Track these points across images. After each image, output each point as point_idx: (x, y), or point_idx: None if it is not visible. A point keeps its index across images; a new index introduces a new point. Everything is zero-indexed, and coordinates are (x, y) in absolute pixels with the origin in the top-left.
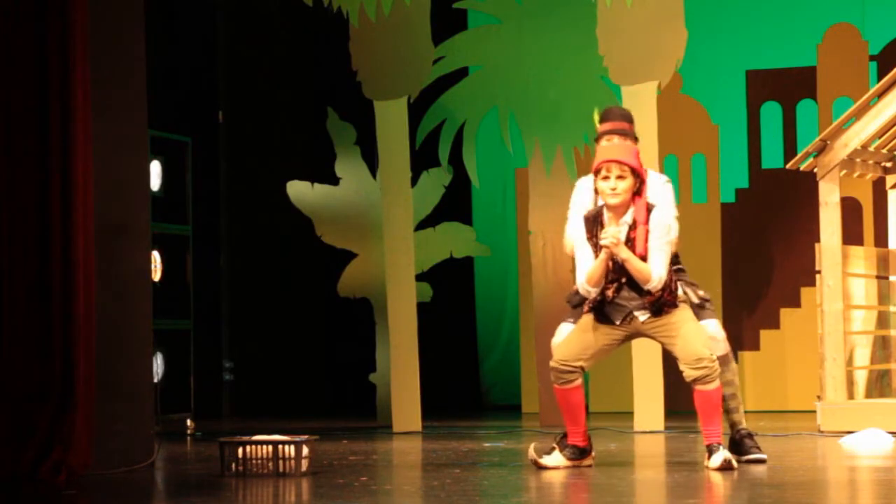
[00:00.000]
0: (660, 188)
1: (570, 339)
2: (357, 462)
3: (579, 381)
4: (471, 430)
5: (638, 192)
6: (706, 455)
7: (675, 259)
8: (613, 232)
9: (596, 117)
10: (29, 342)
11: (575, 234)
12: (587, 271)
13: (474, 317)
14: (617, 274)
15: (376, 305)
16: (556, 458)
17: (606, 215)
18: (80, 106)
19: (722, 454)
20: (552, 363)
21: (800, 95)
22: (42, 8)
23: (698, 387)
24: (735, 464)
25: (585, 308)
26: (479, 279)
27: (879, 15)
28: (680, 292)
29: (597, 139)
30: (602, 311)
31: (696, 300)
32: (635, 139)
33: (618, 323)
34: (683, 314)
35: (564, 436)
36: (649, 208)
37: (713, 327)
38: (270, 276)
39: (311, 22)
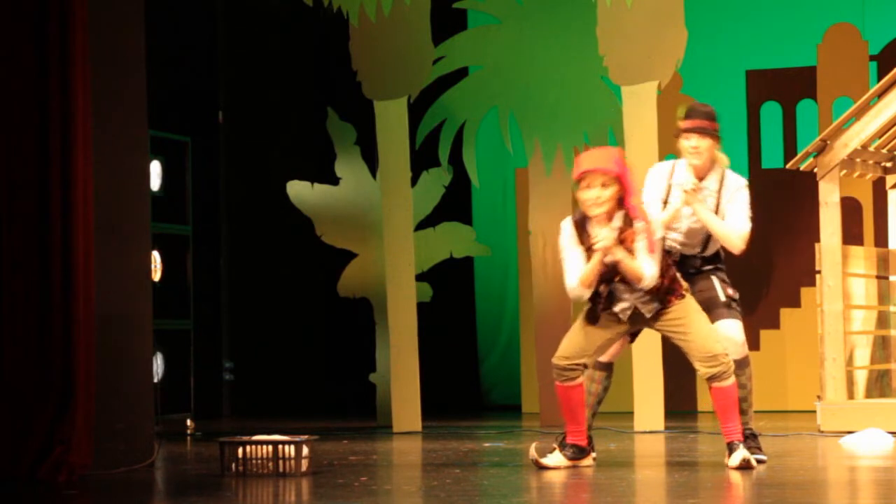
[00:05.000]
0: (734, 191)
1: (573, 335)
2: (357, 462)
3: (581, 379)
4: (471, 430)
5: (623, 197)
6: (726, 453)
7: (715, 256)
8: (607, 234)
9: (680, 113)
10: (29, 342)
11: (563, 240)
12: (580, 274)
13: (474, 317)
14: (609, 274)
15: (376, 305)
16: (556, 458)
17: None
18: (80, 106)
19: (741, 453)
20: (554, 360)
21: (800, 95)
22: (42, 7)
23: (714, 384)
24: (755, 463)
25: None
26: (479, 279)
27: (879, 15)
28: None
29: (676, 135)
30: (607, 307)
31: (723, 298)
32: (717, 137)
33: (624, 319)
34: (689, 306)
35: (565, 435)
36: (632, 213)
37: (734, 329)
38: (270, 276)
39: (311, 22)
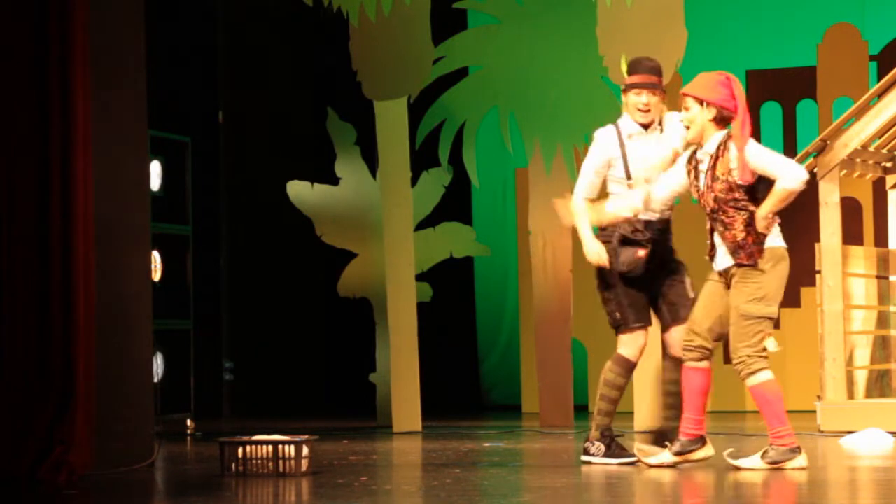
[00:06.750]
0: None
1: (695, 307)
2: (357, 462)
3: (704, 364)
4: (471, 430)
5: (720, 122)
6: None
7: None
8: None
9: (623, 67)
10: (29, 342)
11: (681, 160)
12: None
13: (474, 317)
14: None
15: (376, 305)
16: (663, 457)
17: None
18: (80, 106)
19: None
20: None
21: (800, 95)
22: (42, 7)
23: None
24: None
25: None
26: (479, 279)
27: (879, 15)
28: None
29: (624, 90)
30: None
31: (691, 295)
32: (664, 93)
33: (719, 272)
34: (744, 290)
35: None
36: (732, 140)
37: None
38: (270, 277)
39: (311, 22)
